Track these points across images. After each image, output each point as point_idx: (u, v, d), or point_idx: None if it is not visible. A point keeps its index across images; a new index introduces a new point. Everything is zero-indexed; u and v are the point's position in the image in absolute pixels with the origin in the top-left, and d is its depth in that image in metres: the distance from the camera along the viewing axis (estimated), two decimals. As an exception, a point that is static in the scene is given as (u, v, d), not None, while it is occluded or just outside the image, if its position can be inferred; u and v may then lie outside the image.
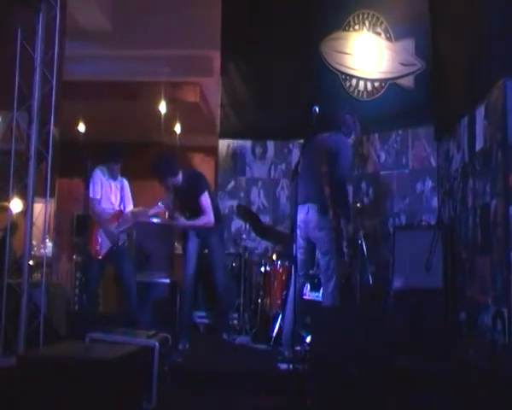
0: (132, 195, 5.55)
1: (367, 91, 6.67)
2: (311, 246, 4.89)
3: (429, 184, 6.16)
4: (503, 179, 4.16)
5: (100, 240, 5.26)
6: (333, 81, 6.81)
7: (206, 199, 5.16)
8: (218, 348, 5.27)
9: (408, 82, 6.38)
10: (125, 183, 5.51)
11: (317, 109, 4.28)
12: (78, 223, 8.85)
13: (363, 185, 6.68)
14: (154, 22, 7.88)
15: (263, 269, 5.95)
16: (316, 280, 5.43)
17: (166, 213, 5.76)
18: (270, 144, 7.13)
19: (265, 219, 6.79)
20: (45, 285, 5.02)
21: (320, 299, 5.27)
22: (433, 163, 6.14)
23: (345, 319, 3.99)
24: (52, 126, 4.95)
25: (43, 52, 4.89)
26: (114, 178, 5.40)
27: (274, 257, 6.02)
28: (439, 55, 5.90)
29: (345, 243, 4.94)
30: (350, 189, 6.70)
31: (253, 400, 4.04)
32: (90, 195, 5.26)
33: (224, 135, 7.24)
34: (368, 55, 6.66)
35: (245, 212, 6.50)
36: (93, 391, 3.08)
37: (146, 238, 6.36)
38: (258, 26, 6.96)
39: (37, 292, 4.94)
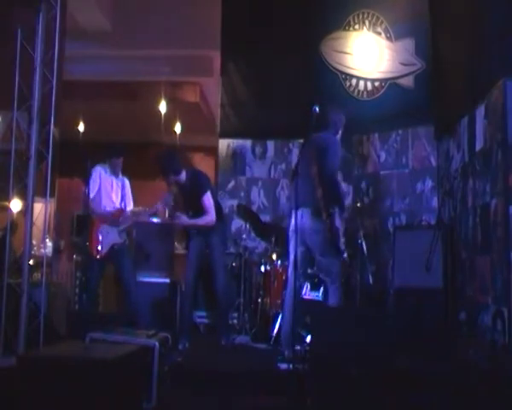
0: (132, 195, 5.55)
1: (367, 91, 6.67)
2: (308, 247, 4.88)
3: (429, 183, 6.16)
4: (503, 179, 4.16)
5: (100, 239, 5.26)
6: (333, 81, 6.81)
7: (208, 199, 5.21)
8: (218, 348, 5.27)
9: (408, 82, 6.38)
10: (126, 182, 5.51)
11: (317, 109, 4.29)
12: (78, 223, 8.85)
13: (363, 185, 6.68)
14: (154, 22, 7.88)
15: (263, 269, 5.95)
16: (316, 280, 5.43)
17: (166, 212, 5.77)
18: (270, 144, 7.13)
19: (265, 218, 6.79)
20: (45, 285, 5.02)
21: (320, 299, 5.27)
22: (433, 163, 6.15)
23: (345, 319, 3.99)
24: (52, 126, 4.95)
25: (43, 52, 4.89)
26: (116, 174, 5.39)
27: (274, 257, 6.01)
28: (439, 55, 5.90)
29: (342, 240, 4.92)
30: (350, 189, 6.73)
31: (253, 400, 4.04)
32: (90, 195, 5.25)
33: (223, 135, 7.25)
34: (368, 54, 6.66)
35: (245, 211, 6.50)
36: (93, 391, 3.08)
37: (146, 238, 6.37)
38: (258, 26, 6.97)
39: (37, 292, 4.94)
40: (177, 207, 5.37)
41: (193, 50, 8.77)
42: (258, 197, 7.09)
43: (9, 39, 4.93)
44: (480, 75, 4.70)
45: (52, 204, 6.43)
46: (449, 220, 5.55)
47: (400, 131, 6.44)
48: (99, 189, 5.30)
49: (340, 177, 5.80)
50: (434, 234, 4.99)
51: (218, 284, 5.32)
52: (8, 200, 4.89)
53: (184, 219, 5.25)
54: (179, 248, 7.61)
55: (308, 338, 4.89)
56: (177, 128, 10.11)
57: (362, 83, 6.71)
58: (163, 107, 9.34)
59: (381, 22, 6.58)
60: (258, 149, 7.15)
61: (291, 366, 4.11)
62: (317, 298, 5.43)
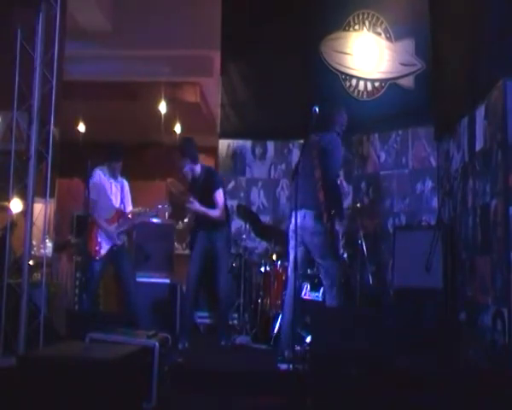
0: (132, 195, 5.55)
1: (367, 91, 6.67)
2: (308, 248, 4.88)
3: (429, 184, 6.16)
4: (503, 179, 4.15)
5: (99, 240, 5.26)
6: (333, 81, 6.81)
7: (220, 195, 5.38)
8: (218, 348, 5.28)
9: (408, 82, 6.38)
10: (125, 183, 5.51)
11: (317, 109, 4.29)
12: (78, 223, 8.84)
13: (363, 185, 6.68)
14: (154, 22, 7.89)
15: (263, 269, 5.95)
16: (316, 280, 5.42)
17: (166, 214, 5.79)
18: (270, 144, 7.13)
19: (265, 219, 6.79)
20: (45, 285, 5.02)
21: (320, 299, 5.27)
22: (433, 163, 6.14)
23: (345, 319, 3.99)
24: (52, 126, 4.95)
25: (43, 52, 4.89)
26: (115, 177, 5.41)
27: (274, 257, 6.01)
28: (439, 56, 5.90)
29: (341, 243, 4.93)
30: (350, 189, 6.73)
31: (253, 400, 4.05)
32: (91, 197, 5.25)
33: (224, 135, 7.25)
34: (368, 55, 6.66)
35: (245, 212, 6.50)
36: (93, 391, 3.08)
37: (146, 238, 6.36)
38: (258, 26, 6.96)
39: (37, 292, 4.94)
40: (175, 212, 5.45)
41: (193, 50, 8.77)
42: (258, 198, 7.08)
43: (9, 39, 4.93)
44: (480, 75, 4.70)
45: (52, 204, 6.44)
46: (449, 221, 5.54)
47: (400, 132, 6.44)
48: (98, 193, 5.30)
49: (340, 176, 5.82)
50: (434, 234, 4.99)
51: (219, 284, 5.36)
52: (8, 200, 4.89)
53: (197, 205, 5.31)
54: (179, 249, 7.61)
55: (308, 338, 4.90)
56: (177, 128, 10.12)
57: (362, 83, 6.71)
58: (163, 107, 9.35)
59: (381, 22, 6.58)
60: (258, 150, 7.15)
61: (291, 366, 4.12)
62: (316, 298, 5.43)
